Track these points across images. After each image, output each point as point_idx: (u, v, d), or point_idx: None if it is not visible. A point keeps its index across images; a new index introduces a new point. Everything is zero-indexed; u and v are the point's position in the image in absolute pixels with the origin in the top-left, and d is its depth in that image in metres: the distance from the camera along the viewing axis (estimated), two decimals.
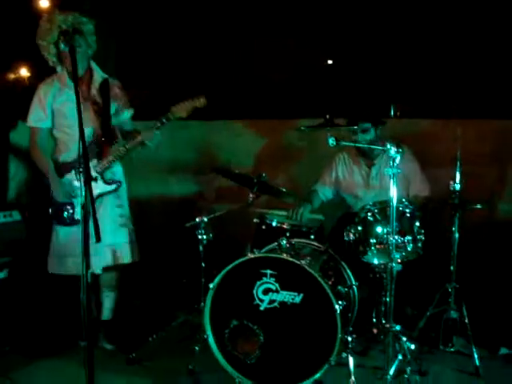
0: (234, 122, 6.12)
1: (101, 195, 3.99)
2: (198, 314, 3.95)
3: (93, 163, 3.93)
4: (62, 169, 4.00)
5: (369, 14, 5.32)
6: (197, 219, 4.03)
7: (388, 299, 3.39)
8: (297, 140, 5.70)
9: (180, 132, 5.55)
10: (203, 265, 4.03)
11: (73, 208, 3.99)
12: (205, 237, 4.02)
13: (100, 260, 4.00)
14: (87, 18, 3.91)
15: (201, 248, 4.03)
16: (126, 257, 4.10)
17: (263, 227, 4.19)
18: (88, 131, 3.85)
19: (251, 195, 4.10)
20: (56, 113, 3.99)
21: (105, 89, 4.04)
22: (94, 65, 4.06)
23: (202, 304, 3.84)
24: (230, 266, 3.62)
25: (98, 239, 2.82)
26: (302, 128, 4.27)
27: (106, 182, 4.01)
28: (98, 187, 3.95)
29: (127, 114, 4.16)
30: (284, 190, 4.21)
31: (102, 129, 3.97)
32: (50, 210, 4.04)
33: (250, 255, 3.62)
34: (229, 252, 3.82)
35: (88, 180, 2.89)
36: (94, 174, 3.92)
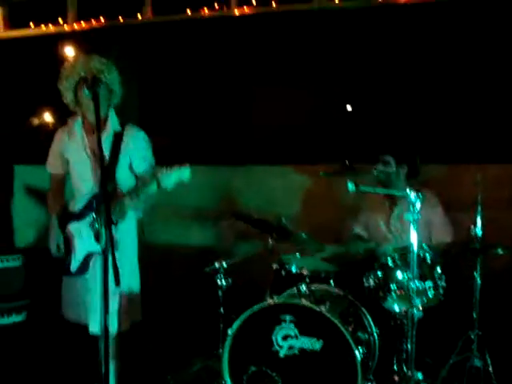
0: (254, 167, 6.16)
1: (93, 254, 3.76)
2: (217, 359, 3.92)
3: (89, 219, 3.73)
4: (67, 218, 3.90)
5: (387, 60, 5.39)
6: (216, 264, 4.04)
7: (409, 346, 3.35)
8: (316, 185, 5.71)
9: (199, 177, 5.59)
10: (222, 310, 4.02)
11: (69, 259, 3.85)
12: (224, 282, 4.02)
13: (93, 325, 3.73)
14: (111, 64, 3.81)
15: (220, 293, 4.02)
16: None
17: (282, 272, 4.17)
18: (88, 186, 3.80)
19: (270, 240, 4.11)
20: (67, 161, 3.93)
21: (117, 141, 3.83)
22: (112, 114, 3.89)
23: (221, 350, 3.82)
24: (249, 312, 3.60)
25: (118, 283, 2.82)
26: (322, 173, 4.29)
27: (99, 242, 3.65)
28: (92, 244, 3.64)
29: (146, 167, 3.88)
30: (303, 235, 4.21)
31: (104, 184, 3.55)
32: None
33: (269, 301, 3.61)
34: (248, 297, 3.81)
35: (109, 223, 2.89)
36: (89, 231, 3.71)
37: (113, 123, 3.86)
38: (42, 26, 5.94)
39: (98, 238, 3.42)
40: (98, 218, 3.57)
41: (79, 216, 3.84)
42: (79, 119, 3.86)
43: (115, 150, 3.80)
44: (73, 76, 3.73)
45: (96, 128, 3.18)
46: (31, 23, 5.97)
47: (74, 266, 3.82)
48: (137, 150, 3.88)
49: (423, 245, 3.77)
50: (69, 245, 3.87)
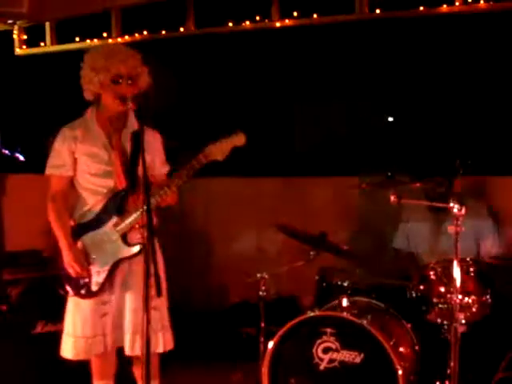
0: (295, 179, 6.16)
1: (123, 260, 3.43)
2: (257, 372, 3.91)
3: (112, 221, 3.42)
4: (78, 231, 3.53)
5: (430, 69, 5.33)
6: (258, 275, 4.04)
7: (453, 362, 3.29)
8: (358, 197, 5.68)
9: (240, 188, 5.62)
10: (262, 322, 4.01)
11: (89, 277, 3.46)
12: (265, 293, 4.01)
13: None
14: (144, 63, 3.52)
15: (261, 304, 4.01)
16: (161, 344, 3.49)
17: (324, 285, 4.16)
18: (103, 184, 3.48)
19: (312, 252, 4.09)
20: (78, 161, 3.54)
21: (137, 140, 3.36)
22: (131, 112, 3.50)
23: (261, 362, 3.81)
24: (290, 324, 3.59)
25: (159, 293, 2.80)
26: (364, 186, 4.27)
27: (129, 244, 3.41)
28: (120, 251, 3.39)
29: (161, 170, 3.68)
30: (345, 247, 4.18)
31: (128, 182, 3.47)
32: (62, 279, 3.54)
33: (310, 313, 3.60)
34: (289, 309, 3.80)
35: (150, 235, 2.87)
36: (114, 236, 3.42)
37: (132, 122, 3.51)
38: (88, 40, 6.07)
39: (126, 240, 3.41)
40: (122, 218, 3.41)
41: (97, 224, 3.49)
42: (93, 113, 3.56)
43: (136, 148, 3.46)
44: (108, 68, 3.38)
45: (140, 142, 3.05)
46: (77, 38, 6.10)
47: (97, 283, 3.44)
48: (156, 152, 3.65)
49: (467, 258, 3.72)
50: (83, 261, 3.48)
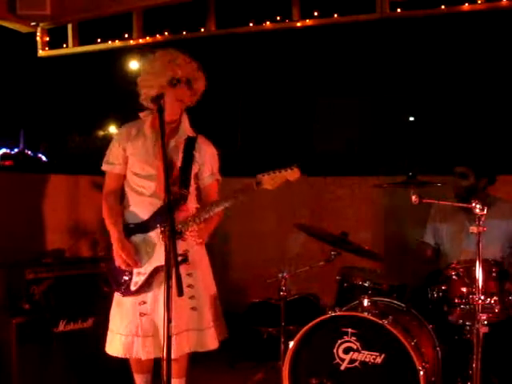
0: (316, 179, 6.15)
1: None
2: (278, 371, 3.92)
3: (158, 229, 3.23)
4: (126, 231, 3.63)
5: (452, 70, 5.29)
6: (279, 275, 4.04)
7: (475, 363, 3.26)
8: (380, 197, 5.66)
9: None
10: (283, 321, 4.01)
11: (130, 276, 3.57)
12: (286, 293, 4.01)
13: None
14: (200, 68, 3.62)
15: (281, 304, 4.01)
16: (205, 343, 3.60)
17: (345, 285, 4.14)
18: (150, 187, 3.57)
19: (333, 252, 4.08)
20: (128, 160, 3.66)
21: (189, 147, 3.63)
22: (185, 117, 3.70)
23: (281, 362, 3.81)
24: (311, 324, 3.58)
25: (181, 293, 2.83)
26: (384, 185, 4.25)
27: None
28: (161, 258, 3.11)
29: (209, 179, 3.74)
30: (365, 247, 4.17)
31: (175, 190, 3.51)
32: (108, 275, 3.72)
33: (331, 313, 3.59)
34: (309, 309, 3.79)
35: (173, 235, 2.89)
36: (158, 243, 3.47)
37: (186, 128, 3.68)
38: (109, 41, 6.11)
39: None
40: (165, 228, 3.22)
41: (144, 229, 3.60)
42: (148, 117, 3.66)
43: (188, 156, 3.62)
44: (165, 73, 3.48)
45: (161, 142, 3.10)
46: (98, 39, 6.15)
47: (136, 283, 3.54)
48: (207, 163, 3.72)
49: (489, 258, 3.68)
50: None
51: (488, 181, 4.30)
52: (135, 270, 3.55)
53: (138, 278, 3.54)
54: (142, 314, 3.55)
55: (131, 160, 3.65)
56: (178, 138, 3.65)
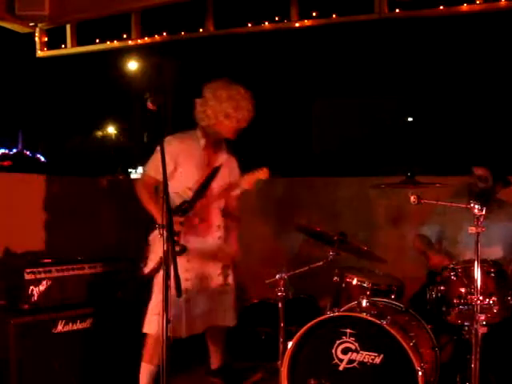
0: (315, 179, 6.16)
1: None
2: (276, 372, 3.92)
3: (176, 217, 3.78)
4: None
5: (451, 69, 5.30)
6: (277, 276, 4.03)
7: (473, 364, 3.26)
8: (378, 198, 5.66)
9: (262, 188, 5.62)
10: (282, 322, 4.01)
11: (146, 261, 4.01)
12: (284, 293, 4.01)
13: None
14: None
15: (280, 305, 4.01)
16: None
17: (343, 285, 4.15)
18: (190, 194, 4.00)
19: (331, 253, 4.08)
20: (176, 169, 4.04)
21: (228, 163, 4.18)
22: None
23: (280, 362, 3.81)
24: (310, 324, 3.59)
25: (180, 294, 2.86)
26: (383, 186, 4.24)
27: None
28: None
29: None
30: (364, 248, 4.17)
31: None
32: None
33: (330, 313, 3.59)
34: (308, 310, 3.79)
35: (171, 236, 2.95)
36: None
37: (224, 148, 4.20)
38: (108, 42, 6.12)
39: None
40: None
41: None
42: (201, 135, 4.09)
43: (224, 171, 4.14)
44: (232, 106, 3.98)
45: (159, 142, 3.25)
46: (97, 39, 6.16)
47: (148, 267, 3.96)
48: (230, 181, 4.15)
49: (488, 258, 3.69)
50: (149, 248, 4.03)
51: (503, 183, 4.28)
52: (151, 255, 3.94)
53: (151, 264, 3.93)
54: (186, 301, 3.87)
55: (179, 171, 4.01)
56: (219, 154, 4.16)
